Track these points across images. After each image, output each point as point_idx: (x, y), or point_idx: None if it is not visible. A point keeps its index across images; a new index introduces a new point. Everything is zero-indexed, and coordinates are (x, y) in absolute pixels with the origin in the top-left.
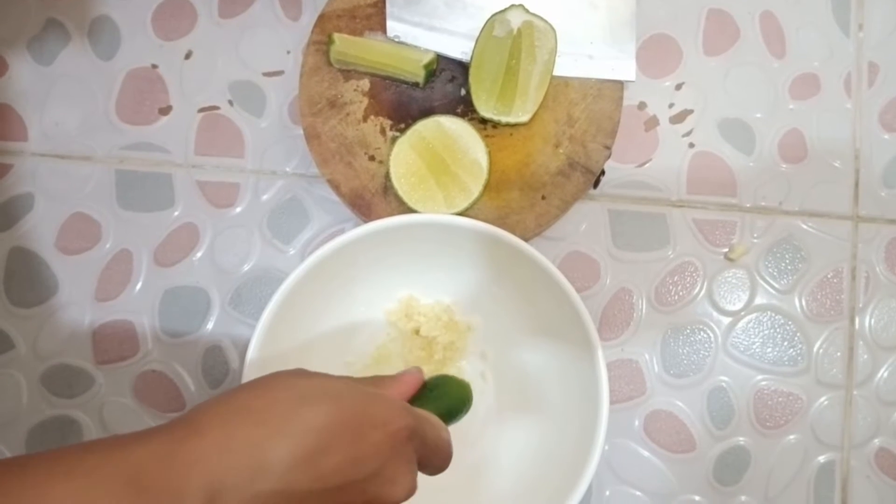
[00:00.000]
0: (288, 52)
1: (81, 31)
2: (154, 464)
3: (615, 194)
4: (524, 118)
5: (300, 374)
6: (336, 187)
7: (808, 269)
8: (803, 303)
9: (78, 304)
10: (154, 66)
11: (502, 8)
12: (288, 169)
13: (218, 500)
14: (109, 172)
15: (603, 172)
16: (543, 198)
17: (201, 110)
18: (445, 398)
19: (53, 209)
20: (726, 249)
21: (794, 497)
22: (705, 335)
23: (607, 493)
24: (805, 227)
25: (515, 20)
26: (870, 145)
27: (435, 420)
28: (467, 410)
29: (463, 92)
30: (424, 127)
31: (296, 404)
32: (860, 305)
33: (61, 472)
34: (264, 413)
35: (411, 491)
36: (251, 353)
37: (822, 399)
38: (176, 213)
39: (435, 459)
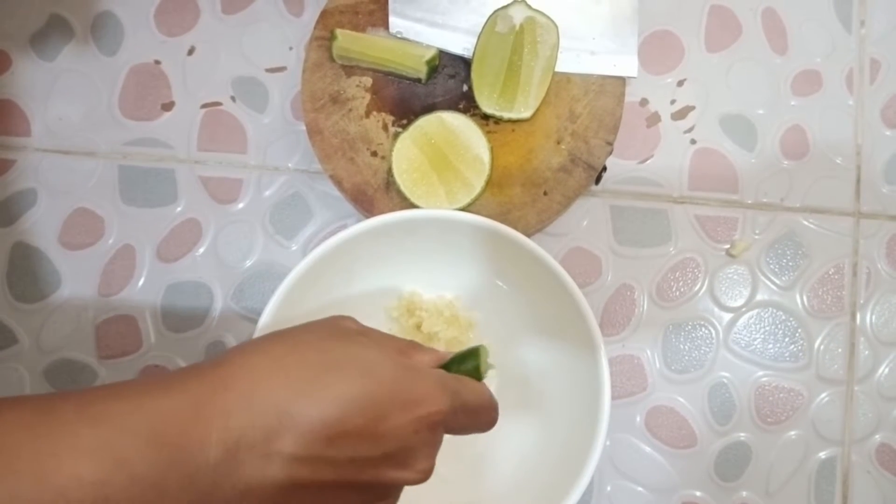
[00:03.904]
0: (290, 48)
1: (85, 27)
2: (177, 418)
3: (617, 190)
4: (526, 114)
5: (339, 334)
6: (338, 183)
7: (810, 265)
8: (804, 299)
9: (81, 299)
10: (157, 62)
11: (505, 3)
12: (290, 165)
13: (234, 455)
14: (112, 168)
15: (605, 168)
16: (545, 193)
17: (204, 106)
18: (471, 360)
19: (56, 204)
20: (728, 245)
21: (794, 492)
22: (706, 331)
23: (608, 488)
24: (806, 223)
25: (518, 16)
26: (871, 141)
27: (473, 384)
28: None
29: (465, 88)
30: (426, 122)
31: (326, 370)
32: (861, 301)
33: (89, 418)
34: (293, 373)
35: (426, 476)
36: None
37: (823, 395)
38: (179, 209)
39: (483, 418)
